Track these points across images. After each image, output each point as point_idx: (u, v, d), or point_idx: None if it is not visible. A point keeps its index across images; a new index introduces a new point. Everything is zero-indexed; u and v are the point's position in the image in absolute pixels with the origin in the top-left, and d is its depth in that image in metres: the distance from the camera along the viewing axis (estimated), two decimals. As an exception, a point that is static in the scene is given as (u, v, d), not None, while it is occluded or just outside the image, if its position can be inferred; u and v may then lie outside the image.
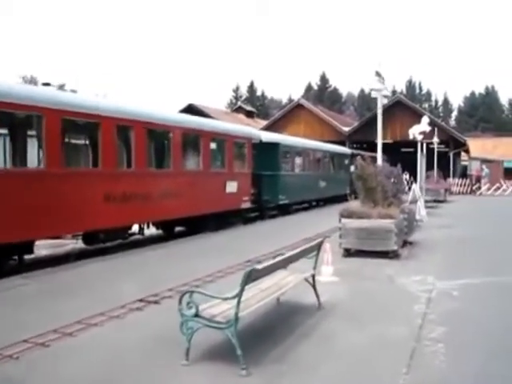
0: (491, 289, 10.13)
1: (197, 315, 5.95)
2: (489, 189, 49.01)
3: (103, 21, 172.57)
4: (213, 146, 19.85)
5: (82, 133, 15.35)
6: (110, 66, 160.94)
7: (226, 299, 6.02)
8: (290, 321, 7.81)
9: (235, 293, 5.86)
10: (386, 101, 15.22)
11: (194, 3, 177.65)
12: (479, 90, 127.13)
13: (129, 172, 15.31)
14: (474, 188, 49.07)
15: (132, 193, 15.07)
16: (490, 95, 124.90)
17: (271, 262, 6.41)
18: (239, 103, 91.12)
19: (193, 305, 5.95)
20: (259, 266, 5.96)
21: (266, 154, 25.00)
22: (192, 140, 18.83)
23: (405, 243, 14.90)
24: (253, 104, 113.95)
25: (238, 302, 5.82)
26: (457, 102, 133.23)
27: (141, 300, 9.08)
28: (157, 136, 17.15)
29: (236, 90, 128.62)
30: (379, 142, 15.21)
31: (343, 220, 13.30)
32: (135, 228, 16.91)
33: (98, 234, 14.54)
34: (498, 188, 49.62)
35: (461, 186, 49.25)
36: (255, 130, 26.32)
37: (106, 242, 15.23)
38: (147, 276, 11.23)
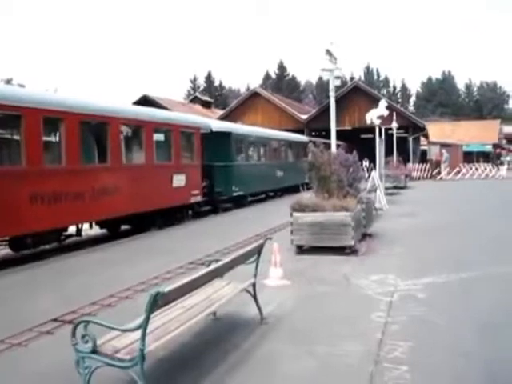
0: (459, 287, 8.97)
1: (94, 351, 4.63)
2: (449, 173, 48.45)
3: (58, 15, 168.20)
4: (156, 137, 18.37)
5: (1, 127, 13.79)
6: (64, 61, 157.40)
7: (125, 331, 4.70)
8: (225, 342, 6.50)
9: (139, 322, 4.55)
10: (338, 82, 13.92)
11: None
12: (436, 75, 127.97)
13: (59, 169, 13.77)
14: (434, 173, 48.44)
15: (63, 191, 13.58)
16: (447, 80, 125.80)
17: (187, 279, 5.07)
18: (198, 94, 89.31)
19: (88, 338, 4.62)
20: (167, 288, 4.62)
21: (218, 144, 23.67)
22: (132, 131, 17.39)
23: (364, 236, 13.76)
24: (211, 94, 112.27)
25: (143, 335, 4.50)
26: (415, 87, 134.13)
27: (55, 319, 7.69)
28: (92, 128, 15.62)
29: (194, 81, 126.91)
30: (333, 127, 13.97)
31: (295, 214, 12.05)
32: (72, 229, 15.47)
33: (25, 238, 13.02)
34: (458, 172, 49.13)
35: (421, 171, 48.56)
36: (204, 118, 24.86)
37: (35, 246, 13.70)
38: (70, 287, 9.80)
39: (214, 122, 26.41)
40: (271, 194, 31.53)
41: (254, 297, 7.18)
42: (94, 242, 16.37)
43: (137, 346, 4.57)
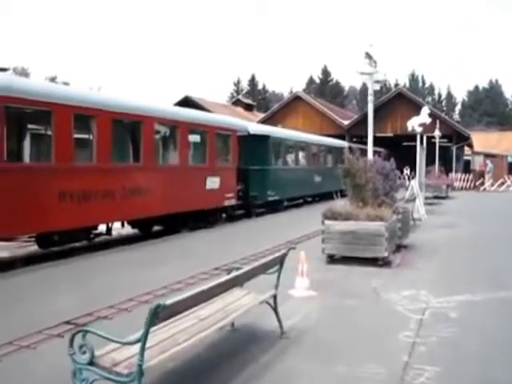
0: (496, 308, 8.41)
1: (92, 363, 4.31)
2: (492, 184, 47.20)
3: (105, 14, 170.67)
4: (191, 138, 18.16)
5: (30, 122, 13.68)
6: (109, 60, 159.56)
7: (124, 344, 4.36)
8: (241, 356, 6.13)
9: (138, 336, 4.21)
10: (378, 87, 13.43)
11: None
12: (483, 83, 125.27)
13: (89, 166, 13.61)
14: (477, 184, 47.25)
15: (93, 190, 13.41)
16: (494, 89, 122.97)
17: (193, 292, 4.70)
18: (241, 97, 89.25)
19: (86, 349, 4.30)
20: (169, 302, 4.26)
21: (255, 147, 23.33)
22: (167, 131, 17.20)
23: (399, 247, 13.24)
24: (254, 97, 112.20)
25: (142, 349, 4.15)
26: (460, 95, 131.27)
27: (68, 322, 7.42)
28: (125, 127, 15.48)
29: (237, 84, 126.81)
30: (370, 133, 13.48)
31: (327, 222, 11.61)
32: (103, 228, 15.31)
33: (52, 235, 12.88)
34: (502, 183, 47.81)
35: (463, 181, 47.46)
36: (241, 121, 24.53)
37: (62, 244, 13.56)
38: (90, 288, 9.57)
39: (251, 124, 26.02)
40: (309, 199, 31.06)
41: (275, 309, 6.78)
42: (125, 241, 16.19)
43: (136, 360, 4.24)
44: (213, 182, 18.76)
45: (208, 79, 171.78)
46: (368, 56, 12.34)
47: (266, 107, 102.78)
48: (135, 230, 18.21)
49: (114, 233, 17.58)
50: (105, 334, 4.33)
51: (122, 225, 17.01)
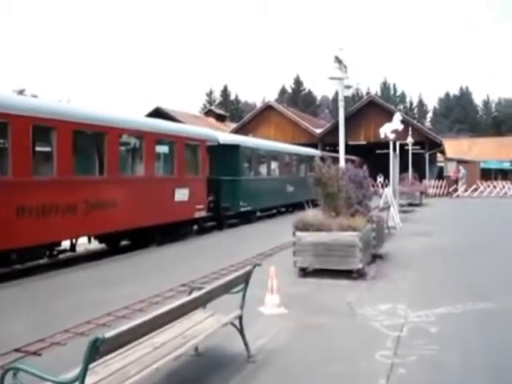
0: (477, 320, 7.96)
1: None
2: (466, 190, 47.22)
3: (75, 25, 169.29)
4: (158, 148, 17.58)
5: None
6: (79, 72, 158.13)
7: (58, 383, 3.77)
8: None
9: (75, 374, 3.63)
10: (349, 93, 12.99)
11: (170, 8, 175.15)
12: (454, 91, 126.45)
13: (49, 180, 12.94)
14: (450, 190, 47.25)
15: (53, 204, 12.74)
16: (465, 96, 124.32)
17: (137, 322, 4.13)
18: (213, 107, 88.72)
19: (16, 390, 3.72)
20: (109, 334, 3.69)
21: (226, 157, 22.80)
22: (133, 142, 16.57)
23: (374, 257, 12.78)
24: (226, 108, 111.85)
25: (79, 390, 3.59)
26: (432, 103, 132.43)
27: (17, 350, 6.78)
28: (87, 138, 14.83)
29: (209, 94, 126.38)
30: (341, 140, 13.01)
31: (298, 233, 11.10)
32: (66, 244, 14.62)
33: (9, 254, 12.16)
34: (476, 189, 47.87)
35: (437, 187, 47.42)
36: (210, 130, 23.96)
37: (22, 262, 12.85)
38: (46, 310, 8.89)
39: (221, 134, 25.47)
40: (282, 209, 30.55)
41: (241, 331, 6.23)
42: (90, 257, 15.55)
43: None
44: (182, 194, 18.16)
45: (180, 90, 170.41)
46: (338, 60, 11.89)
47: (239, 117, 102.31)
48: (103, 245, 17.54)
49: (81, 248, 16.99)
50: (37, 371, 3.75)
51: (89, 240, 16.37)
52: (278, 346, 6.80)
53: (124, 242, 17.58)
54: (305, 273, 11.19)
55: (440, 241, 16.92)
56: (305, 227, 11.04)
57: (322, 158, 12.29)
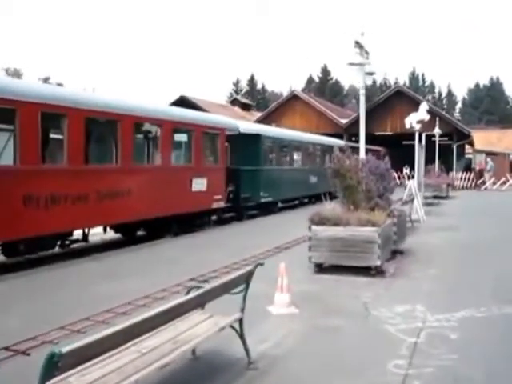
0: (501, 327, 7.36)
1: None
2: (494, 183, 46.07)
3: (102, 14, 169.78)
4: (175, 137, 17.12)
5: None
6: (105, 61, 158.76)
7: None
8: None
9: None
10: (370, 80, 12.36)
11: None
12: (484, 81, 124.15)
13: (58, 169, 12.58)
14: (478, 183, 46.15)
15: (63, 194, 12.37)
16: (495, 87, 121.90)
17: (112, 330, 3.66)
18: (239, 96, 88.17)
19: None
20: (70, 347, 3.21)
21: (246, 146, 22.29)
22: (148, 130, 16.14)
23: (394, 253, 12.20)
24: (253, 97, 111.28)
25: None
26: (461, 94, 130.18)
27: (6, 348, 6.39)
28: (99, 126, 14.44)
29: (236, 84, 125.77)
30: (362, 129, 12.41)
31: (314, 228, 10.57)
32: (79, 234, 14.30)
33: (17, 244, 11.83)
34: (505, 182, 46.70)
35: (464, 180, 46.37)
36: (230, 119, 23.41)
37: (30, 252, 12.51)
38: (45, 304, 8.52)
39: (242, 123, 24.88)
40: (305, 200, 29.97)
41: (241, 336, 5.74)
42: (104, 247, 15.19)
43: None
44: (199, 184, 17.71)
45: (207, 79, 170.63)
46: (359, 45, 11.26)
47: (265, 107, 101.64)
48: (119, 235, 17.20)
49: (97, 238, 16.69)
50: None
51: (104, 230, 16.03)
52: (282, 351, 6.30)
53: (141, 232, 17.22)
54: (321, 269, 10.67)
55: (466, 236, 16.23)
56: (321, 221, 10.51)
57: (341, 149, 11.68)
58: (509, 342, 6.75)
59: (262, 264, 5.74)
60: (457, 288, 9.65)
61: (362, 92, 12.09)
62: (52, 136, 13.40)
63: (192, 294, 5.09)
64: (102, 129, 14.72)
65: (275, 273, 8.10)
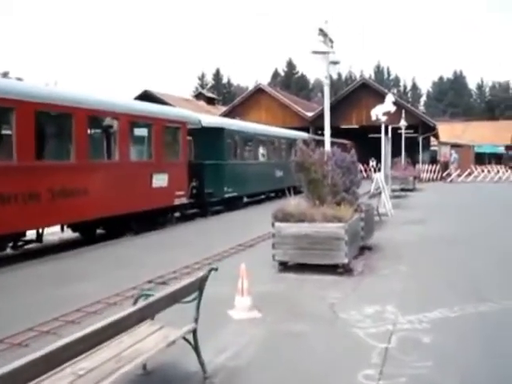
0: (477, 328, 6.91)
1: None
2: (460, 175, 46.23)
3: (68, 8, 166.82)
4: (134, 131, 16.43)
5: None
6: (70, 55, 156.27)
7: None
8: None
9: None
10: (335, 71, 11.86)
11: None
12: (447, 75, 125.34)
13: (6, 166, 11.79)
14: (444, 174, 46.25)
15: (12, 192, 11.60)
16: (458, 80, 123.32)
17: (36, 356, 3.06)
18: (203, 90, 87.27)
19: None
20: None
21: (209, 140, 21.65)
22: (104, 124, 15.40)
23: (362, 249, 11.74)
24: (219, 92, 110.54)
25: None
26: (425, 87, 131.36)
27: None
28: (51, 120, 13.67)
29: (202, 78, 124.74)
30: (327, 120, 11.90)
31: (277, 224, 10.04)
32: (32, 234, 13.55)
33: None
34: (470, 174, 46.91)
35: (431, 172, 46.43)
36: (192, 112, 22.70)
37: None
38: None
39: (204, 116, 24.14)
40: (272, 194, 29.43)
41: (196, 349, 5.17)
42: (61, 247, 14.46)
43: None
44: (160, 180, 17.03)
45: (173, 74, 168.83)
46: (323, 33, 10.73)
47: (231, 101, 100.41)
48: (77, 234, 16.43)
49: (55, 237, 15.97)
50: None
51: (62, 229, 15.26)
52: (242, 362, 5.74)
53: (101, 231, 16.50)
54: (285, 267, 10.15)
55: (435, 229, 15.87)
56: (285, 217, 9.98)
57: (305, 142, 11.16)
58: (485, 343, 6.28)
59: (215, 269, 5.15)
60: (428, 285, 9.20)
61: (327, 82, 11.54)
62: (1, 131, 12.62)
63: (138, 305, 4.50)
64: (54, 123, 13.98)
65: (238, 272, 7.57)
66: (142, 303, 4.62)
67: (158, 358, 5.19)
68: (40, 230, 13.62)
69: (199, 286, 5.02)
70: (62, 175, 13.22)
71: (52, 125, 13.92)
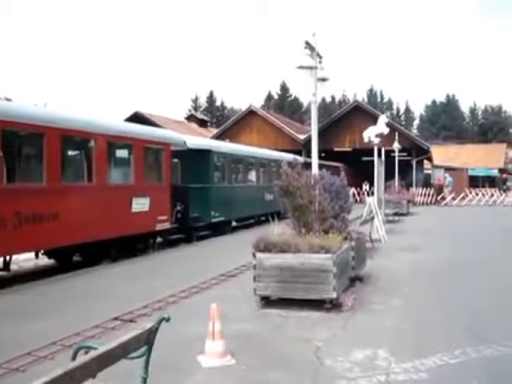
0: (483, 377, 6.00)
1: None
2: (454, 198, 45.48)
3: (58, 26, 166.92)
4: (112, 152, 15.52)
5: None
6: (61, 76, 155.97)
7: None
8: None
9: None
10: (322, 88, 11.00)
11: (155, 14, 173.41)
12: (440, 98, 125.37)
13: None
14: (438, 198, 45.49)
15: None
16: (451, 103, 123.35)
17: None
18: (196, 113, 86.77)
19: None
20: None
21: (195, 162, 20.82)
22: (80, 145, 14.53)
23: (353, 280, 10.81)
24: (212, 114, 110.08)
25: None
26: (418, 110, 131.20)
27: None
28: (20, 140, 12.79)
29: (195, 100, 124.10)
30: (314, 142, 11.03)
31: (259, 255, 9.11)
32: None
33: None
34: (464, 198, 46.15)
35: (425, 195, 45.66)
36: (177, 134, 21.83)
37: None
38: None
39: (190, 138, 23.20)
40: (262, 218, 28.46)
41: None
42: (33, 275, 13.56)
43: None
44: (141, 204, 16.10)
45: (167, 96, 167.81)
46: (309, 47, 9.91)
47: (224, 123, 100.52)
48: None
49: (30, 264, 15.09)
50: None
51: (36, 255, 14.33)
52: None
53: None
54: (267, 302, 9.21)
55: (430, 257, 15.00)
56: (267, 247, 9.06)
57: (290, 164, 10.31)
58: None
59: (167, 319, 4.20)
60: (425, 324, 8.28)
61: (314, 99, 10.63)
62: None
63: (76, 362, 3.57)
64: (24, 143, 13.09)
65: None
66: (81, 358, 3.70)
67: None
68: (8, 258, 12.71)
69: (146, 340, 4.09)
70: (32, 199, 12.28)
71: (21, 145, 13.03)
